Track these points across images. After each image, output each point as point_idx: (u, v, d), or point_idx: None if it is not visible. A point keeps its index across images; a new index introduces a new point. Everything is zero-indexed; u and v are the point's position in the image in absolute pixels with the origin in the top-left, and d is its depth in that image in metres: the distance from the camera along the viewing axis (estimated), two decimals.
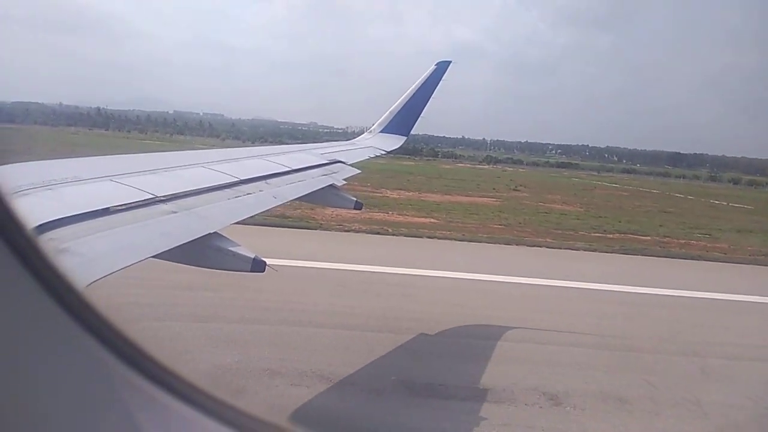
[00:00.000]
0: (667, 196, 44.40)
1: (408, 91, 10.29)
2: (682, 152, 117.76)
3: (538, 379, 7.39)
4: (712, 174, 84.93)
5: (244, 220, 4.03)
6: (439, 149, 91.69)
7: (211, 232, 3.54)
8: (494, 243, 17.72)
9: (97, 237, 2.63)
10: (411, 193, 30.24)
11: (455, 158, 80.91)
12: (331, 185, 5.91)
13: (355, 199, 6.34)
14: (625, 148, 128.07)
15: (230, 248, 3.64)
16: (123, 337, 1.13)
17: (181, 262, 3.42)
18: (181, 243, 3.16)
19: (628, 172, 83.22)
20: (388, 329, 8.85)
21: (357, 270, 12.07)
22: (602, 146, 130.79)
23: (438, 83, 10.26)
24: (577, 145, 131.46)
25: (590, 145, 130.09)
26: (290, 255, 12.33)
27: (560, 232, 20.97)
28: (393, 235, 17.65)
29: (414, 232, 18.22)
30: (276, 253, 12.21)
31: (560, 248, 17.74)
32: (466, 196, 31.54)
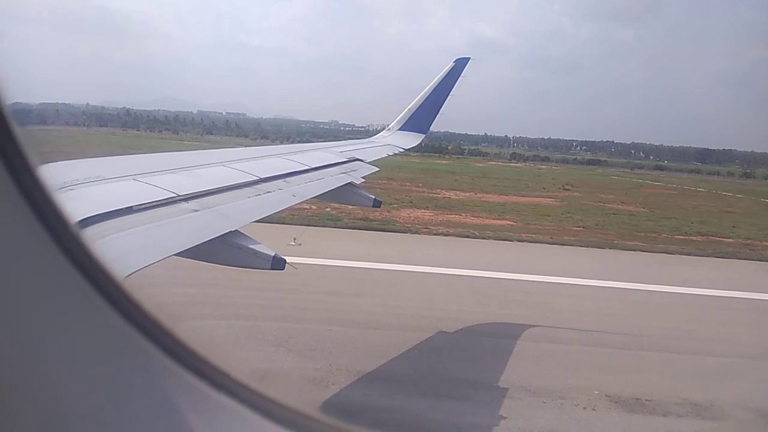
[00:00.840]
0: (716, 195, 42.51)
1: (426, 89, 10.39)
2: (710, 148, 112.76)
3: (745, 395, 7.33)
4: (746, 171, 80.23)
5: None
6: (465, 146, 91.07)
7: (232, 230, 3.58)
8: (586, 246, 17.69)
9: (119, 236, 2.73)
10: (467, 194, 30.39)
11: (482, 156, 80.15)
12: (349, 183, 5.95)
13: (373, 197, 6.35)
14: (651, 144, 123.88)
15: (251, 246, 3.69)
16: (164, 328, 1.20)
17: (202, 260, 3.50)
18: (203, 241, 3.22)
19: (660, 169, 80.00)
20: (553, 340, 8.99)
21: (478, 276, 12.34)
22: (627, 142, 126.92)
23: (456, 80, 10.25)
24: (602, 141, 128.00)
25: (615, 141, 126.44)
26: (407, 260, 13.02)
27: (642, 234, 20.71)
28: (482, 238, 17.92)
29: (499, 234, 18.43)
30: (392, 258, 13.16)
31: (655, 252, 17.60)
32: (521, 195, 31.39)
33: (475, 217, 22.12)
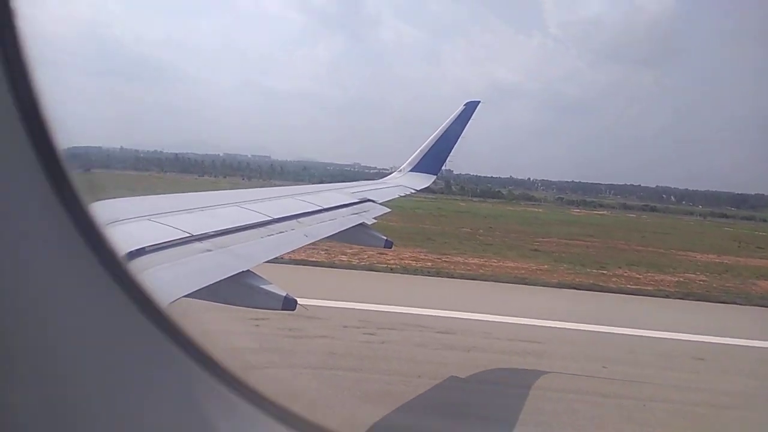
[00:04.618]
0: None
1: (437, 131, 10.66)
2: (743, 193, 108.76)
3: None
4: None
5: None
6: (516, 191, 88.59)
7: (245, 269, 3.62)
8: None
9: (141, 275, 2.74)
10: (697, 255, 27.73)
11: (537, 201, 77.55)
12: (361, 224, 6.01)
13: (385, 238, 6.39)
14: (675, 188, 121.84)
15: (262, 286, 3.71)
16: (201, 347, 1.31)
17: (214, 301, 3.51)
18: (215, 281, 3.26)
19: (725, 216, 74.57)
20: None
21: None
22: (652, 186, 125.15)
23: (467, 123, 10.55)
24: (628, 184, 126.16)
25: (642, 185, 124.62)
26: None
27: None
28: None
29: None
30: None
31: None
32: (739, 256, 28.52)
33: None
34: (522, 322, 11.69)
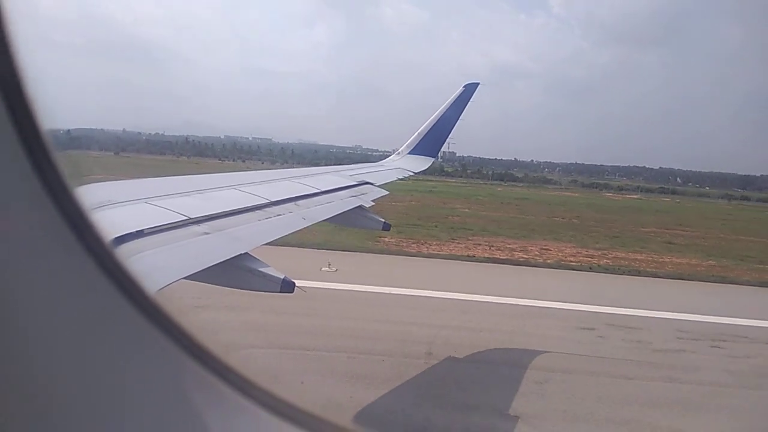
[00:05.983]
0: None
1: (436, 114, 10.54)
2: (750, 174, 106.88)
3: None
4: None
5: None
6: (534, 174, 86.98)
7: (242, 252, 3.63)
8: None
9: (129, 260, 2.74)
10: None
11: (548, 183, 76.56)
12: (359, 206, 6.00)
13: (383, 220, 6.38)
14: (680, 170, 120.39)
15: (260, 269, 3.72)
16: (190, 336, 1.28)
17: (212, 283, 3.53)
18: (214, 264, 3.27)
19: (746, 199, 72.98)
20: None
21: None
22: (656, 167, 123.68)
23: (466, 105, 10.45)
24: (632, 166, 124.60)
25: (646, 167, 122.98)
26: None
27: None
28: None
29: None
30: None
31: None
32: None
33: None
34: None
